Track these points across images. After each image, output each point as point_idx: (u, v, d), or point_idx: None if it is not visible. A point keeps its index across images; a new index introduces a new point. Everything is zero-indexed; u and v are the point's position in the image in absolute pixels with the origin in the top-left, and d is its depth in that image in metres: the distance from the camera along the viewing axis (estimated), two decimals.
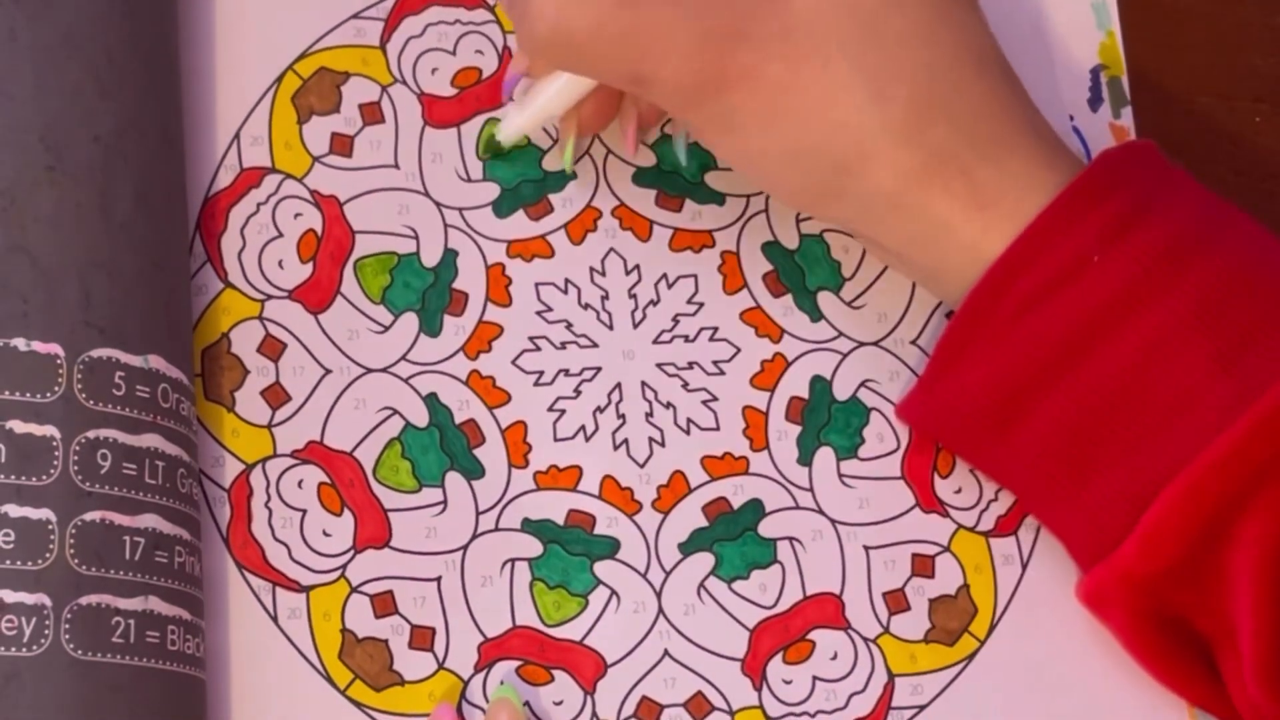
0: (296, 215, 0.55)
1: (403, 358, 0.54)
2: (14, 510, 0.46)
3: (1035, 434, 0.50)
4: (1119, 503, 0.49)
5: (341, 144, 0.56)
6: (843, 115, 0.48)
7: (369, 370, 0.54)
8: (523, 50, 0.52)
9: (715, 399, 0.55)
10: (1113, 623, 0.51)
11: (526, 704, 0.51)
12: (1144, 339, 0.48)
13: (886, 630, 0.54)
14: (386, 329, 0.54)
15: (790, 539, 0.54)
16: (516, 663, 0.52)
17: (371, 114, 0.56)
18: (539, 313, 0.55)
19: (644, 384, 0.55)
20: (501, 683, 0.52)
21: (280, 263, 0.54)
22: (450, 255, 0.55)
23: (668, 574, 0.53)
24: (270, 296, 0.54)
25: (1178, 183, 0.50)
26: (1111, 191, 0.49)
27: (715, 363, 0.55)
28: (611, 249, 0.56)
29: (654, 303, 0.55)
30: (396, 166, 0.56)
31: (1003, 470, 0.52)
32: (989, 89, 0.50)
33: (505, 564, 0.53)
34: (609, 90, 0.54)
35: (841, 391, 0.55)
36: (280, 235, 0.55)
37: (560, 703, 0.52)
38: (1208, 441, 0.47)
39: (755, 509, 0.54)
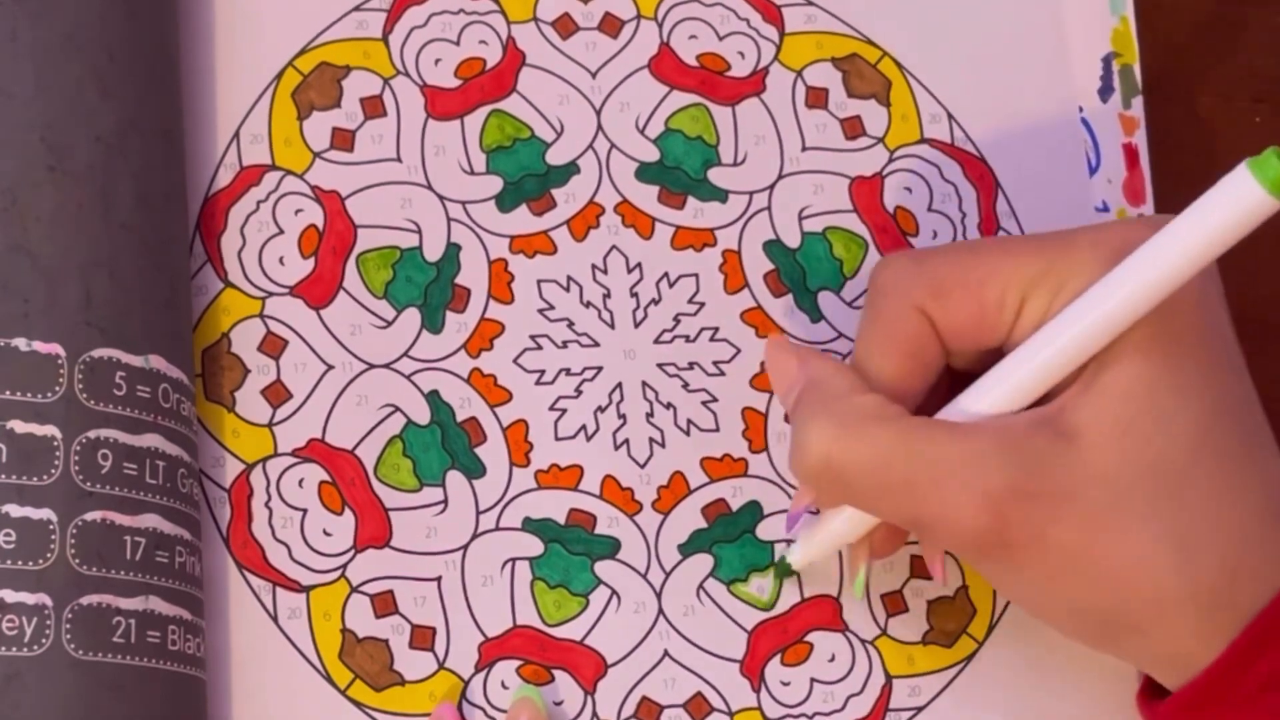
0: (297, 211, 0.55)
1: (405, 354, 0.54)
2: (15, 510, 0.46)
3: None
4: None
5: (343, 139, 0.56)
6: (1142, 581, 0.45)
7: (371, 366, 0.54)
8: (798, 481, 0.49)
9: (715, 400, 0.55)
10: None
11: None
12: None
13: (884, 632, 0.54)
14: (389, 324, 0.54)
15: (788, 541, 0.54)
16: (517, 662, 0.52)
17: (373, 107, 0.56)
18: (541, 310, 0.55)
19: (645, 384, 0.55)
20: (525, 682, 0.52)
21: (281, 259, 0.54)
22: (453, 249, 0.55)
23: (667, 575, 0.53)
24: (271, 294, 0.54)
25: None
26: None
27: (715, 363, 0.55)
28: (614, 246, 0.56)
29: (655, 302, 0.55)
30: (399, 160, 0.56)
31: None
32: None
33: (506, 563, 0.53)
34: None
35: None
36: (281, 232, 0.55)
37: (561, 703, 0.52)
38: None
39: (754, 511, 0.54)
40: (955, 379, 0.50)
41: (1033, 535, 0.45)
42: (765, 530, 0.54)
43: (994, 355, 0.48)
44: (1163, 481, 0.45)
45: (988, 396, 0.47)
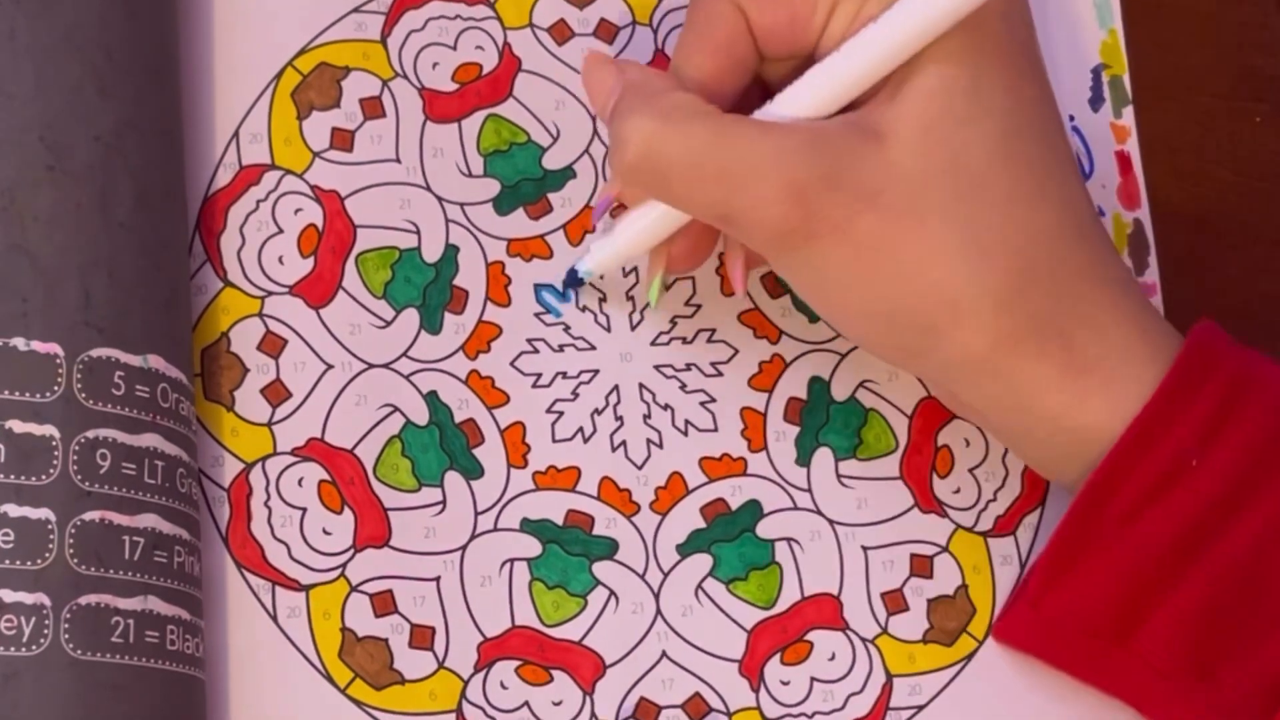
0: (297, 211, 0.55)
1: (404, 354, 0.54)
2: (13, 510, 0.46)
3: (1156, 639, 0.48)
4: (1255, 696, 0.47)
5: (342, 139, 0.56)
6: (937, 277, 0.46)
7: (370, 365, 0.54)
8: (614, 175, 0.50)
9: (713, 400, 0.55)
10: None
11: (526, 704, 0.52)
12: (1260, 526, 0.47)
13: (885, 631, 0.54)
14: (388, 324, 0.54)
15: (788, 540, 0.54)
16: (516, 663, 0.52)
17: (372, 108, 0.56)
18: (537, 314, 0.55)
19: (642, 386, 0.55)
20: None
21: (280, 258, 0.54)
22: (451, 251, 0.55)
23: (666, 575, 0.53)
24: (270, 293, 0.54)
25: (1254, 361, 0.49)
26: (1203, 383, 0.47)
27: (713, 364, 0.55)
28: None
29: (651, 305, 0.55)
30: (398, 161, 0.56)
31: (1121, 681, 0.50)
32: (1089, 256, 0.48)
33: (504, 564, 0.53)
34: (702, 227, 0.52)
35: (840, 392, 0.56)
36: (280, 231, 0.55)
37: (559, 703, 0.52)
38: None
39: (753, 510, 0.54)
40: (770, 98, 0.50)
41: (836, 227, 0.46)
42: (765, 529, 0.54)
43: (807, 67, 0.48)
44: (960, 181, 0.46)
45: (798, 101, 0.48)
